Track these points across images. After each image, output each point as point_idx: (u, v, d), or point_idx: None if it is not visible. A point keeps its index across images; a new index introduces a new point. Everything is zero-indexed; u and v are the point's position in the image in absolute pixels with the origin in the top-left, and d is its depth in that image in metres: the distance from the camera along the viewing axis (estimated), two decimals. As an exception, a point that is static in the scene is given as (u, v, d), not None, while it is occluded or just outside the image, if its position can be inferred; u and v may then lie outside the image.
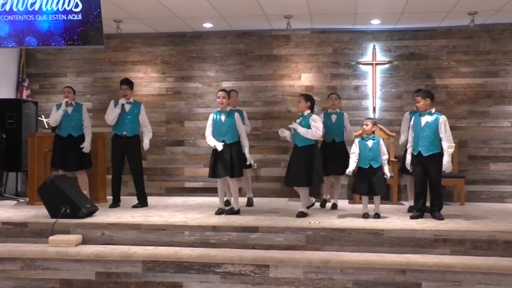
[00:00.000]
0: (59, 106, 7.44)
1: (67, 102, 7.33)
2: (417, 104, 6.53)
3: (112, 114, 7.25)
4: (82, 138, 7.35)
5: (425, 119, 6.36)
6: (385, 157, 6.44)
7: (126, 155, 7.36)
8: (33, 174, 7.57)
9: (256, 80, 9.07)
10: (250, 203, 7.55)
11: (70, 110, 7.40)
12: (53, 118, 7.38)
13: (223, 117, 6.69)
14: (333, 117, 7.43)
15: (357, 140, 6.55)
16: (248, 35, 9.12)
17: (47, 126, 8.38)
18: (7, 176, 8.62)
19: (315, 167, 6.44)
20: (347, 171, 6.47)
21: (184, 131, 9.19)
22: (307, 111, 6.62)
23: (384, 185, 6.46)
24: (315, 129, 6.42)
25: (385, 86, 8.83)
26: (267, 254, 5.37)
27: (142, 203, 7.39)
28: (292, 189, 8.61)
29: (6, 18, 6.75)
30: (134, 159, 7.35)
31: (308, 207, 6.77)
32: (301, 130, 6.45)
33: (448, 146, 6.23)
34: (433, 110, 6.42)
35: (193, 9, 7.83)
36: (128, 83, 7.43)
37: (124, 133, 7.28)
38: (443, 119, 6.32)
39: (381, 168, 6.40)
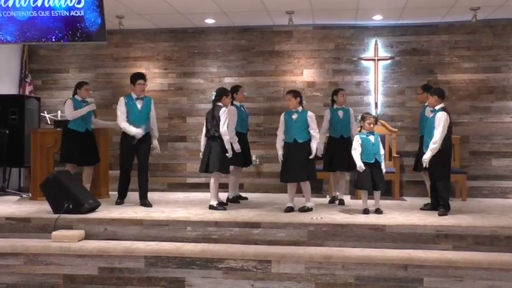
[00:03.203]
0: (81, 104, 7.47)
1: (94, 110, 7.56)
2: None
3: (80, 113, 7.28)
4: (93, 133, 7.63)
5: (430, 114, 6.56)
6: (383, 152, 6.58)
7: (137, 152, 7.08)
8: (36, 169, 7.60)
9: (258, 75, 9.07)
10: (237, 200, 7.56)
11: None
12: (74, 114, 7.36)
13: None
14: (340, 113, 7.40)
15: (358, 137, 6.55)
16: (250, 31, 9.12)
17: (49, 122, 8.39)
18: (10, 171, 8.63)
19: (312, 161, 6.59)
20: (358, 166, 6.42)
21: (186, 127, 9.20)
22: (300, 107, 6.67)
23: (385, 180, 6.49)
24: (316, 132, 6.63)
25: (387, 81, 8.82)
26: (269, 250, 5.38)
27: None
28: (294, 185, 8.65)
29: (9, 14, 6.77)
30: (145, 156, 7.16)
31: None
32: (315, 147, 6.59)
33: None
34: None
35: (195, 5, 7.83)
36: (145, 78, 7.18)
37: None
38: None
39: (380, 163, 6.47)
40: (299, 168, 6.49)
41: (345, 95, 7.54)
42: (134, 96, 7.09)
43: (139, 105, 7.07)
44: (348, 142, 7.28)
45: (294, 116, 6.61)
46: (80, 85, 7.59)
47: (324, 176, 8.40)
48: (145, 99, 7.15)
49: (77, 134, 7.37)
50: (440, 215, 6.15)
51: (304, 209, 6.47)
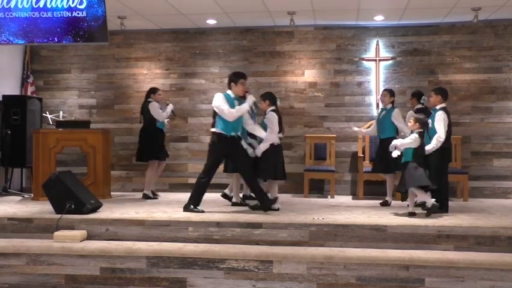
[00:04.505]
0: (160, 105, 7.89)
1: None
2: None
3: (239, 112, 6.28)
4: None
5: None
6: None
7: (232, 156, 6.51)
8: (38, 170, 7.61)
9: (259, 76, 9.08)
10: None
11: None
12: (163, 116, 7.90)
13: None
14: (382, 114, 7.36)
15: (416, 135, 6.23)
16: (251, 32, 9.13)
17: (51, 123, 8.41)
18: (12, 172, 8.66)
19: (261, 163, 6.52)
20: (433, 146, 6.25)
21: (188, 127, 9.22)
22: (269, 109, 6.65)
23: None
24: (267, 134, 6.47)
25: (388, 82, 8.83)
26: (271, 250, 5.38)
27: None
28: (296, 185, 8.69)
29: (11, 15, 6.79)
30: (245, 158, 6.50)
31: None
32: (262, 145, 6.51)
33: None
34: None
35: (197, 6, 7.85)
36: (246, 77, 6.58)
37: (233, 133, 6.39)
38: None
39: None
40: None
41: (385, 95, 7.36)
42: (232, 95, 6.43)
43: (237, 106, 6.38)
44: (384, 143, 7.04)
45: (264, 118, 6.71)
46: (154, 91, 7.97)
47: (325, 176, 8.41)
48: (242, 101, 6.47)
49: (161, 133, 7.93)
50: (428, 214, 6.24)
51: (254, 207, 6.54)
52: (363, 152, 8.54)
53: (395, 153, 6.19)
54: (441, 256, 5.17)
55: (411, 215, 6.11)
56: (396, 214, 6.32)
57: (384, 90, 7.54)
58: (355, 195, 8.43)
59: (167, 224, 5.81)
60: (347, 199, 8.04)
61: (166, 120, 8.07)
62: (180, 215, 6.17)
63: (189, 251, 5.40)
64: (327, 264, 5.17)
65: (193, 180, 9.05)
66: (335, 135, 8.75)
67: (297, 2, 7.66)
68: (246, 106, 6.34)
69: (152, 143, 7.82)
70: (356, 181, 8.54)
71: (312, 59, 9.02)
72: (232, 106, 6.30)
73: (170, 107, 7.96)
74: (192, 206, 6.36)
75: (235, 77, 6.45)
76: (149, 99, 7.87)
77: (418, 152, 6.14)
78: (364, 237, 5.55)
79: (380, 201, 7.34)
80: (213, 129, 6.43)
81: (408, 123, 6.33)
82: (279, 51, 9.08)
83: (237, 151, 6.41)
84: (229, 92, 6.46)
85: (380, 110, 7.59)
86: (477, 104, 8.62)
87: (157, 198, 7.93)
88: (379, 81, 8.81)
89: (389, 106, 7.31)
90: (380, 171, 7.41)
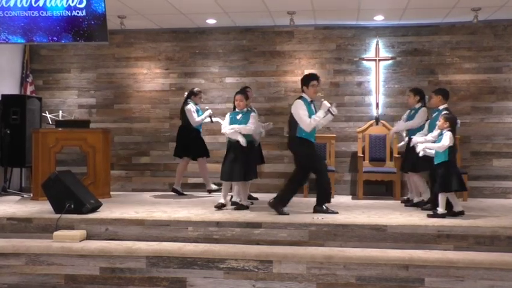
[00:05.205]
0: (197, 108, 8.05)
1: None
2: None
3: (315, 121, 6.25)
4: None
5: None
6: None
7: None
8: (38, 169, 7.60)
9: (259, 76, 9.08)
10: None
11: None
12: (198, 122, 8.00)
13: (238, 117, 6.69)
14: (410, 114, 7.26)
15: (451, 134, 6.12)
16: (251, 31, 9.12)
17: (50, 122, 8.40)
18: (11, 171, 8.65)
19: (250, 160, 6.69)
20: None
21: (188, 127, 9.20)
22: (246, 109, 6.71)
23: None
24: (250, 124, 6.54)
25: (388, 82, 8.83)
26: (271, 250, 5.38)
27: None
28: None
29: (10, 14, 6.78)
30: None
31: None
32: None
33: None
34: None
35: (197, 5, 7.84)
36: (319, 79, 6.59)
37: (313, 140, 6.42)
38: None
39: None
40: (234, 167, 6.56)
41: (409, 96, 7.29)
42: (308, 99, 6.39)
43: (313, 109, 6.41)
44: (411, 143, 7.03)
45: (239, 116, 6.65)
46: (196, 93, 8.13)
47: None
48: (314, 103, 6.48)
49: (196, 133, 8.10)
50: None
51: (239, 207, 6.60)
52: (363, 152, 8.54)
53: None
54: (441, 256, 5.17)
55: (439, 215, 6.01)
56: (396, 214, 6.32)
57: (409, 90, 7.45)
58: (355, 195, 8.43)
59: (167, 224, 5.81)
60: (346, 199, 8.04)
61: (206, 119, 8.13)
62: (180, 214, 6.17)
63: (189, 251, 5.40)
64: (326, 264, 5.17)
65: (193, 180, 9.10)
66: (334, 135, 8.75)
67: (297, 2, 7.66)
68: (320, 114, 6.24)
69: (182, 142, 8.11)
70: (356, 181, 8.54)
71: (312, 59, 9.02)
72: (309, 110, 6.24)
73: (207, 113, 7.98)
74: (324, 207, 6.30)
75: (306, 80, 6.37)
76: (189, 100, 8.04)
77: (453, 149, 6.11)
78: (364, 237, 5.55)
79: (402, 201, 7.45)
80: (298, 135, 6.28)
81: (437, 123, 6.23)
82: (279, 51, 9.07)
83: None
84: (304, 95, 6.38)
85: (408, 110, 7.44)
86: (477, 104, 8.62)
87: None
88: (379, 81, 8.81)
89: (418, 105, 7.16)
90: (407, 171, 7.21)
